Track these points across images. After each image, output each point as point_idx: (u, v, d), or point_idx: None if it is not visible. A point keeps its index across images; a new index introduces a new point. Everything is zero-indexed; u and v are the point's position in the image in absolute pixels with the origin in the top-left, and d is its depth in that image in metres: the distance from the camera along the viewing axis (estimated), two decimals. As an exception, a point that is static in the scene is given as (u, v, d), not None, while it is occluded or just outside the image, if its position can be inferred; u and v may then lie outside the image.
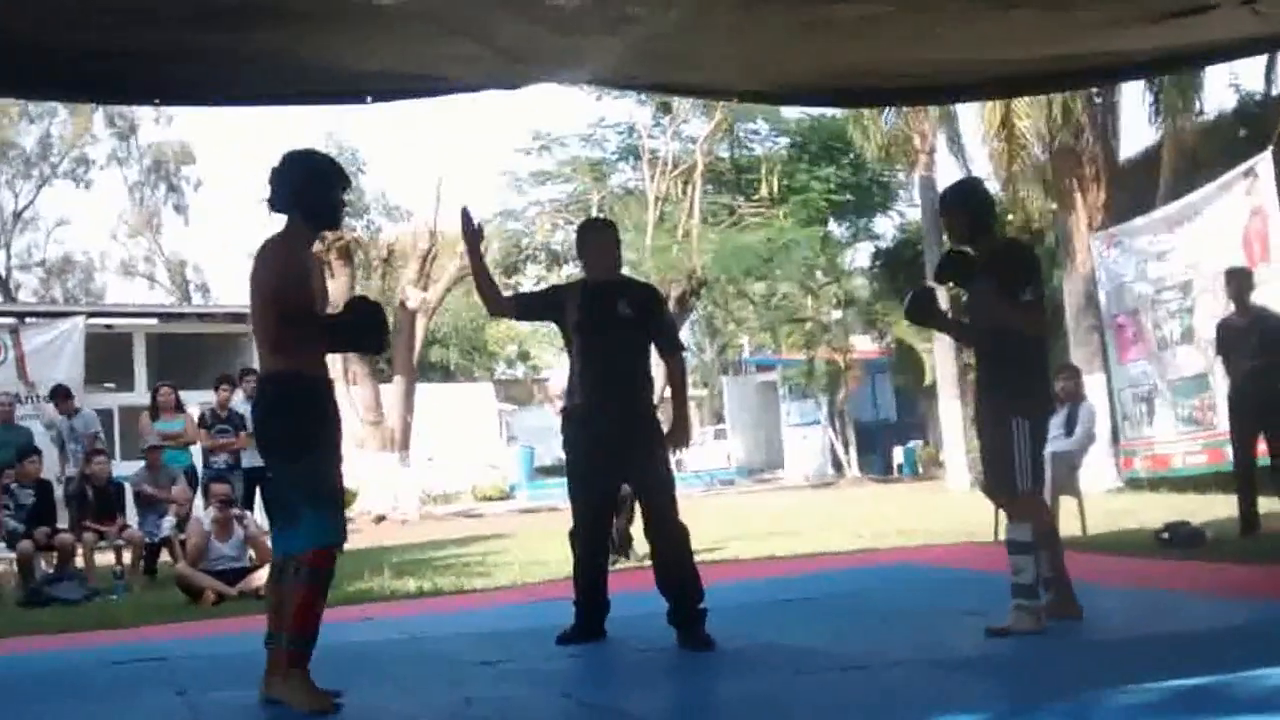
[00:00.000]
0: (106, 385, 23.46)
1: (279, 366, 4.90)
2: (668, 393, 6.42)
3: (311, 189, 4.96)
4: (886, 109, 18.08)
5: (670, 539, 5.99)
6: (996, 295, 5.49)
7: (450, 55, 5.66)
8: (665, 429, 6.16)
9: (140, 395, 21.58)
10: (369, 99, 6.07)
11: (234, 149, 68.00)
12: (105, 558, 11.75)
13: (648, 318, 6.13)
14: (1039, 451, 5.54)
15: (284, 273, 4.85)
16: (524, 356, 46.60)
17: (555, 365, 15.00)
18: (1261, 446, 9.32)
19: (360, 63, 5.72)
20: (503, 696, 5.10)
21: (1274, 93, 15.93)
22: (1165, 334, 12.35)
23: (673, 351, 6.35)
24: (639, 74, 6.93)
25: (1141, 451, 13.16)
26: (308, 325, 4.86)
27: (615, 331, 5.99)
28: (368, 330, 4.99)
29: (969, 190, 6.17)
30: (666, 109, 28.81)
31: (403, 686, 5.35)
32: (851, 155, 29.77)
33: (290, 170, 4.98)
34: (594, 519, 6.25)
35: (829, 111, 26.57)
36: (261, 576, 9.71)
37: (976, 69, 7.09)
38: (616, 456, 5.99)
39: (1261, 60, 15.44)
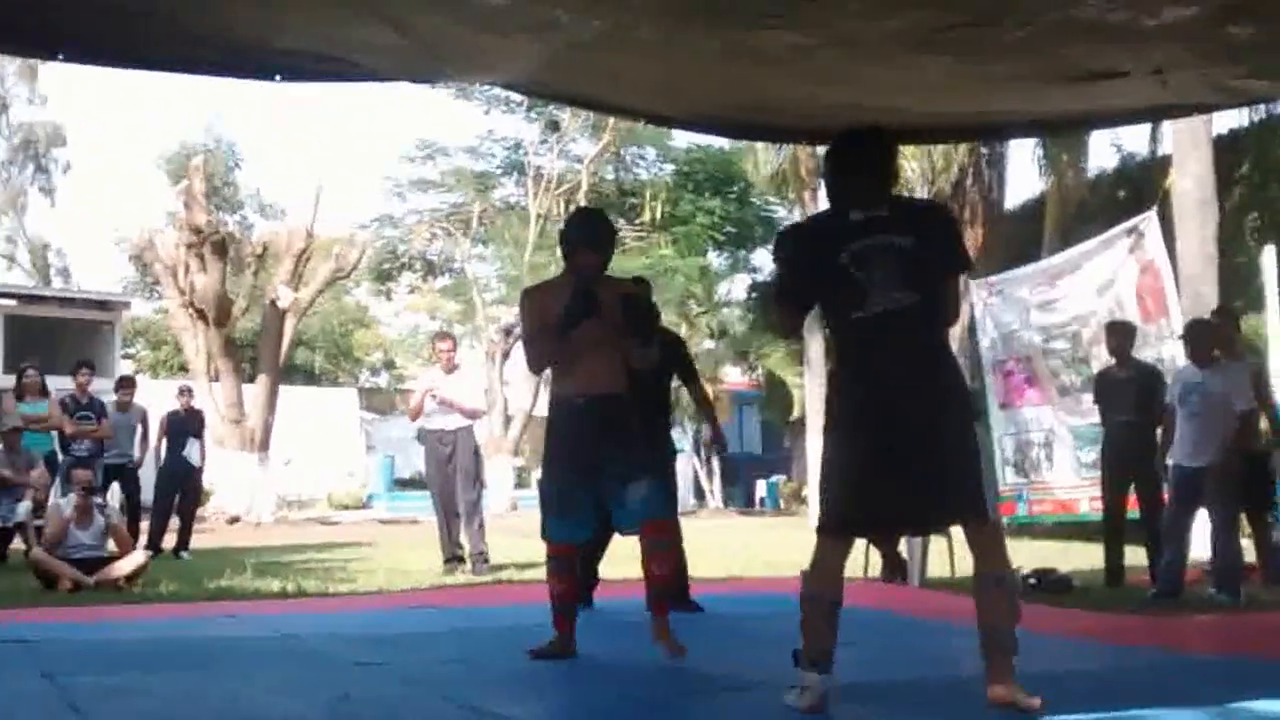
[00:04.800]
0: (-44, 366, 22.76)
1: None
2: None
3: (567, 241, 5.99)
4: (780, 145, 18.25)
5: None
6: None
7: (367, 42, 5.54)
8: None
9: (-5, 377, 20.96)
10: (277, 77, 5.90)
11: (108, 135, 66.65)
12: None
13: None
14: (826, 478, 4.60)
15: (527, 313, 5.98)
16: (389, 365, 46.15)
17: (421, 376, 14.79)
18: (1132, 499, 9.49)
19: (273, 40, 5.58)
20: (380, 696, 5.00)
21: (1158, 154, 16.36)
22: (1064, 381, 12.56)
23: None
24: (552, 82, 6.86)
25: (1032, 496, 13.34)
26: (543, 341, 5.84)
27: None
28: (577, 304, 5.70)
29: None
30: (555, 127, 28.80)
31: (277, 683, 5.20)
32: (737, 188, 30.09)
33: (565, 223, 6.32)
34: None
35: (718, 142, 26.76)
36: (121, 568, 9.46)
37: (883, 114, 7.15)
38: None
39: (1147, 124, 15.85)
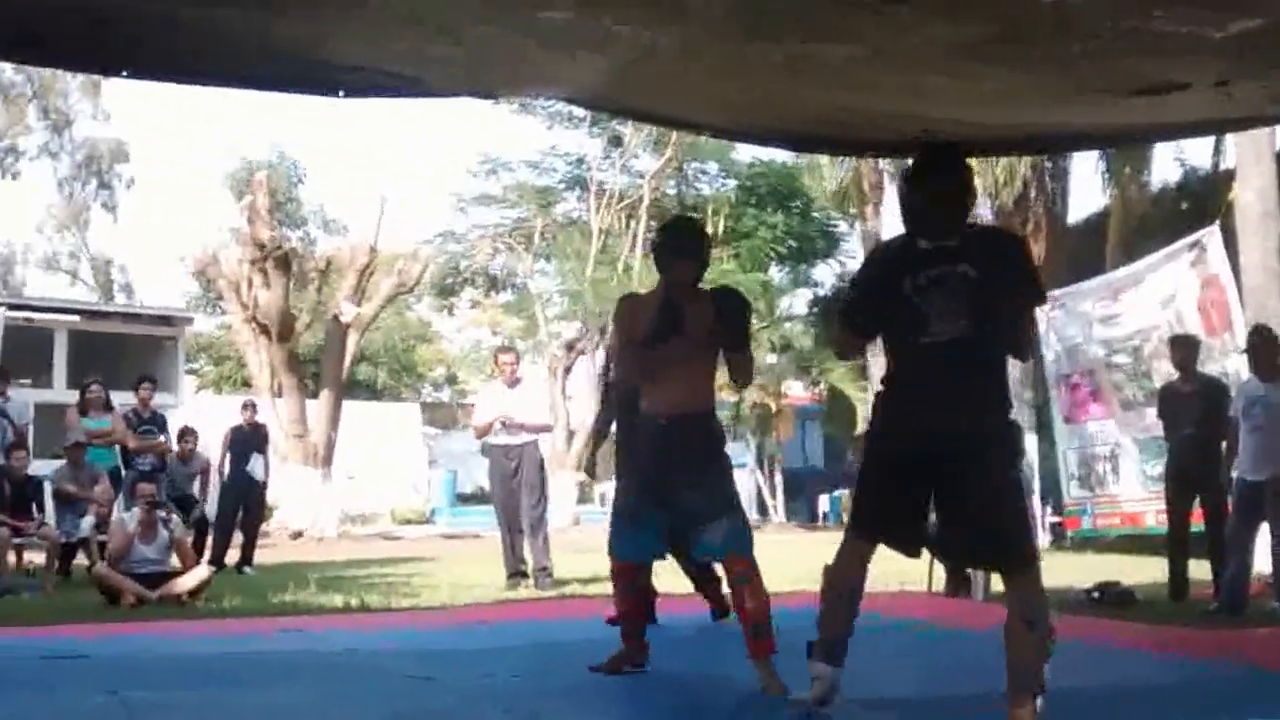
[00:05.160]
0: (22, 381, 22.99)
1: None
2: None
3: (660, 253, 5.87)
4: (843, 158, 18.25)
5: None
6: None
7: (431, 58, 5.55)
8: None
9: (59, 393, 21.20)
10: (341, 93, 5.91)
11: (171, 151, 67.45)
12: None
13: None
14: (857, 480, 4.82)
15: (618, 324, 6.02)
16: (451, 380, 46.34)
17: (483, 390, 14.76)
18: (1197, 512, 9.37)
19: (335, 55, 5.60)
20: (439, 710, 5.02)
21: (1220, 167, 16.20)
22: (1128, 394, 12.49)
23: None
24: (613, 97, 6.85)
25: (1098, 509, 13.25)
26: (628, 356, 5.89)
27: None
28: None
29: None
30: (617, 142, 28.88)
31: (339, 698, 5.23)
32: (799, 203, 30.04)
33: (658, 233, 6.32)
34: None
35: (780, 157, 26.74)
36: (184, 583, 9.49)
37: (944, 126, 7.09)
38: None
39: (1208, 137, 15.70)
